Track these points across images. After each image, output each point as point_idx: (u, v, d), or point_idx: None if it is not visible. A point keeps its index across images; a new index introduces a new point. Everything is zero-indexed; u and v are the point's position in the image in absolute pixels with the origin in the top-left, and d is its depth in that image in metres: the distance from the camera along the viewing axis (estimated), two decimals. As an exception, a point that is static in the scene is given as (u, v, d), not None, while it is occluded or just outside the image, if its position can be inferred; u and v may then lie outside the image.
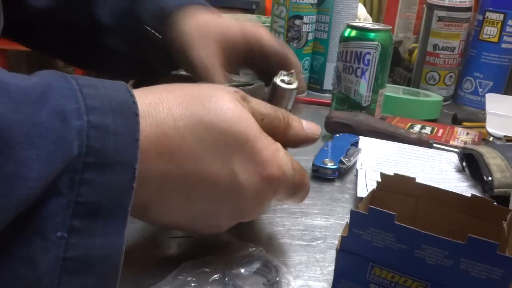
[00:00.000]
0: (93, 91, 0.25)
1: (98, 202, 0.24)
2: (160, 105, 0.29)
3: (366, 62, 0.66)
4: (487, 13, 0.82)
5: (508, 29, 0.81)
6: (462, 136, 0.68)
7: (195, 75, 0.46)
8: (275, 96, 0.40)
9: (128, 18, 0.50)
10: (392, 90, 0.82)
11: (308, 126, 0.38)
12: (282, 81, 0.40)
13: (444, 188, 0.34)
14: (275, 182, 0.33)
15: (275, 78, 0.40)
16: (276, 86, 0.39)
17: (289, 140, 0.36)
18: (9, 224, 0.22)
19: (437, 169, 0.56)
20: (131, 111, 0.26)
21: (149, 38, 0.49)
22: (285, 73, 0.40)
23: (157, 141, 0.28)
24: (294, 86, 0.40)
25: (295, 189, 0.35)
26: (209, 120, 0.30)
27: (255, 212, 0.35)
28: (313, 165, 0.54)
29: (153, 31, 0.49)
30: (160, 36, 0.48)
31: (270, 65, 0.46)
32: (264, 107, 0.34)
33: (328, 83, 0.88)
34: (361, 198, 0.43)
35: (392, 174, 0.35)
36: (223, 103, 0.31)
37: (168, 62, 0.50)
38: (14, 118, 0.22)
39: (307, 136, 0.37)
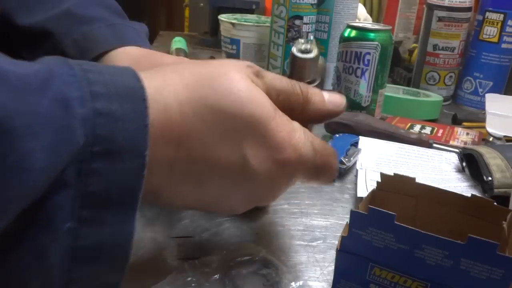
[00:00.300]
0: (98, 76, 0.25)
1: (108, 191, 0.24)
2: (166, 89, 0.27)
3: (366, 62, 0.66)
4: (487, 13, 0.82)
5: (508, 29, 0.81)
6: (462, 136, 0.68)
7: None
8: (294, 67, 0.36)
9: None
10: (392, 90, 0.82)
11: (331, 98, 0.35)
12: (300, 50, 0.36)
13: (444, 188, 0.34)
14: (291, 166, 0.31)
15: (292, 47, 0.36)
16: (294, 56, 0.35)
17: (309, 116, 0.34)
18: (17, 216, 0.22)
19: (437, 169, 0.56)
20: (139, 96, 0.25)
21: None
22: (303, 41, 0.36)
23: (164, 128, 0.27)
24: (312, 55, 0.36)
25: (316, 171, 0.33)
26: (217, 103, 0.28)
27: (270, 197, 0.34)
28: (313, 165, 0.54)
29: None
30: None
31: None
32: (280, 81, 0.32)
33: (328, 83, 0.89)
34: (361, 198, 0.43)
35: (392, 174, 0.35)
36: (232, 83, 0.29)
37: None
38: (15, 107, 0.21)
39: (329, 110, 0.35)
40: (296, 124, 0.32)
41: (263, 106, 0.29)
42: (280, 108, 0.31)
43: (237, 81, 0.29)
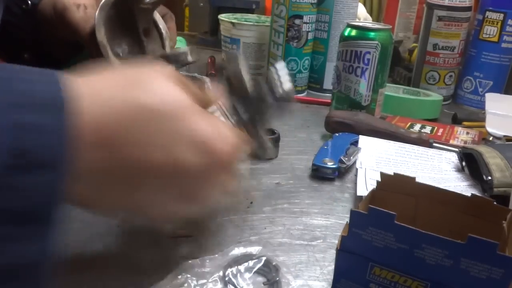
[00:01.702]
0: (17, 85, 0.24)
1: (21, 207, 0.22)
2: (93, 93, 0.27)
3: (366, 61, 0.66)
4: (487, 13, 0.82)
5: (508, 28, 0.81)
6: (462, 135, 0.68)
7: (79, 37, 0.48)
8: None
9: None
10: (392, 90, 0.82)
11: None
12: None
13: (444, 188, 0.34)
14: (227, 159, 0.31)
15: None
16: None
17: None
18: None
19: (437, 168, 0.56)
20: (58, 106, 0.24)
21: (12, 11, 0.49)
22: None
23: (91, 132, 0.26)
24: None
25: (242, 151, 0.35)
26: (143, 104, 0.28)
27: (213, 193, 0.33)
28: (313, 164, 0.54)
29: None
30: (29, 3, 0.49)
31: None
32: (193, 84, 0.34)
33: (328, 83, 0.89)
34: (361, 197, 0.43)
35: (392, 173, 0.35)
36: (157, 85, 0.29)
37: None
38: None
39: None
40: (217, 119, 0.33)
41: (188, 105, 0.30)
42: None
43: (162, 83, 0.30)
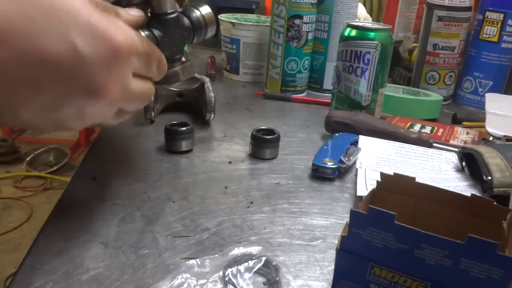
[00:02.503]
0: None
1: None
2: None
3: (366, 61, 0.66)
4: (487, 13, 0.82)
5: (508, 28, 0.81)
6: (462, 135, 0.68)
7: None
8: None
9: None
10: (392, 90, 0.82)
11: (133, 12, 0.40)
12: None
13: (444, 188, 0.34)
14: (125, 49, 0.32)
15: None
16: None
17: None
18: None
19: (436, 168, 0.56)
20: None
21: None
22: None
23: None
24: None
25: (147, 58, 0.35)
26: None
27: (113, 90, 0.32)
28: (313, 164, 0.54)
29: None
30: None
31: None
32: None
33: (328, 83, 0.89)
34: (361, 197, 0.43)
35: (392, 173, 0.35)
36: None
37: None
38: None
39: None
40: (119, 20, 0.33)
41: (89, 2, 0.30)
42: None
43: None
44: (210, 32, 0.49)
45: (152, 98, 0.66)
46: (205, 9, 0.47)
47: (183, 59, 0.47)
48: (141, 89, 0.35)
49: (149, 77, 0.37)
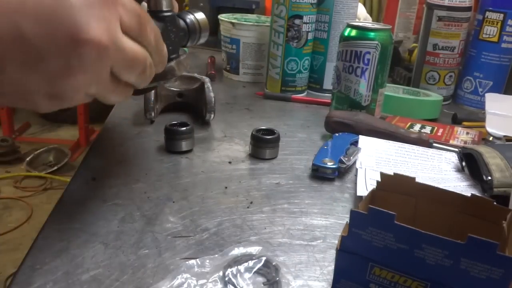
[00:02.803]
0: None
1: None
2: None
3: (366, 61, 0.66)
4: (487, 13, 0.82)
5: (508, 29, 0.81)
6: (462, 135, 0.68)
7: None
8: None
9: None
10: (392, 90, 0.82)
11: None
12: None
13: (444, 188, 0.34)
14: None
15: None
16: None
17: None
18: None
19: (436, 168, 0.56)
20: None
21: None
22: None
23: None
24: None
25: (139, 18, 0.34)
26: None
27: (99, 33, 0.30)
28: (313, 164, 0.54)
29: None
30: None
31: None
32: None
33: (328, 83, 0.89)
34: (361, 197, 0.43)
35: (392, 173, 0.35)
36: None
37: None
38: None
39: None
40: None
41: None
42: None
43: None
44: (203, 38, 0.49)
45: (152, 97, 0.66)
46: (200, 15, 0.48)
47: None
48: (133, 50, 0.33)
49: (144, 45, 0.35)
